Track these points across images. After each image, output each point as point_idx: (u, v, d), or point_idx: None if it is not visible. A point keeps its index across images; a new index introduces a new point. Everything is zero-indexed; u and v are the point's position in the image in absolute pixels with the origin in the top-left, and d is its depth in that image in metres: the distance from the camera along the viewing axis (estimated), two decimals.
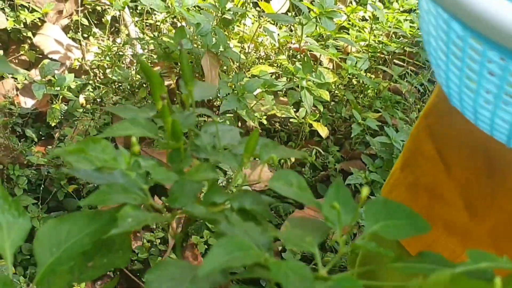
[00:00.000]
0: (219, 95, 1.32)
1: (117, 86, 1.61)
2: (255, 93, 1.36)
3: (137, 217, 0.38)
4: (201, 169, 0.43)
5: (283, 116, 1.54)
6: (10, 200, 0.39)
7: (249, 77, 1.51)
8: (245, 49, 1.68)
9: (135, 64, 1.66)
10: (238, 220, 0.38)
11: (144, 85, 1.58)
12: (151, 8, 1.75)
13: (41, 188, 1.24)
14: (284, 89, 1.56)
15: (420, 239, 0.68)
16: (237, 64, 1.60)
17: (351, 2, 2.00)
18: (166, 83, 1.72)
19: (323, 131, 1.49)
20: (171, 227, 0.42)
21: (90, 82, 1.58)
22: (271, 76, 1.58)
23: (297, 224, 0.37)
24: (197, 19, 1.32)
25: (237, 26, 1.61)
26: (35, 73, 1.56)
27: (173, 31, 1.76)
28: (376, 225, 0.35)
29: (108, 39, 1.72)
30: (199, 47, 1.35)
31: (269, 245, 0.35)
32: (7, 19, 1.61)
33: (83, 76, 1.65)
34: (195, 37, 1.35)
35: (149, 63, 1.67)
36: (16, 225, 0.38)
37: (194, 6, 1.39)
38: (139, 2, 1.73)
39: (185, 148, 0.46)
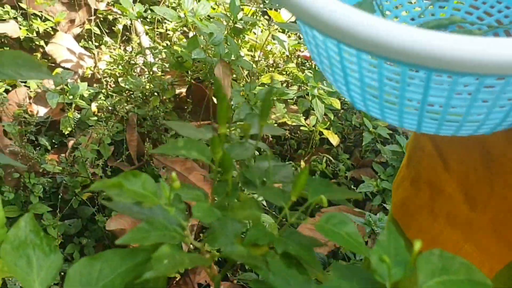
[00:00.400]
0: (231, 103, 1.34)
1: (128, 94, 1.62)
2: None
3: (173, 259, 0.36)
4: (246, 206, 0.42)
5: (294, 124, 1.56)
6: (42, 235, 0.38)
7: (259, 85, 1.52)
8: (254, 57, 1.69)
9: (146, 73, 1.68)
10: (280, 267, 0.36)
11: (156, 93, 1.59)
12: (161, 17, 1.76)
13: (59, 197, 1.26)
14: (295, 97, 1.58)
15: (425, 231, 0.70)
16: (246, 72, 1.61)
17: None
18: (177, 91, 1.73)
19: (334, 139, 1.51)
20: (211, 269, 0.41)
21: (102, 90, 1.60)
22: (281, 84, 1.59)
23: (343, 274, 0.35)
24: (210, 28, 1.34)
25: (247, 34, 1.62)
26: (48, 82, 1.57)
27: (184, 40, 1.78)
28: (432, 281, 0.32)
29: (119, 48, 1.74)
30: (212, 56, 1.37)
31: None
32: (20, 28, 1.63)
33: (95, 85, 1.67)
34: (208, 47, 1.36)
35: (160, 72, 1.68)
36: (47, 262, 0.37)
37: (206, 16, 1.41)
38: (149, 11, 1.74)
39: (233, 179, 0.44)
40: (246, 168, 0.46)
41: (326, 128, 1.57)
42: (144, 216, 0.41)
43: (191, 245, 0.40)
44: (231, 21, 1.44)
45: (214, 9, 1.64)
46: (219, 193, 0.44)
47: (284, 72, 1.77)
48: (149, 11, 1.66)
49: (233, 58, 1.42)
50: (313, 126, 1.54)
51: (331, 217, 0.39)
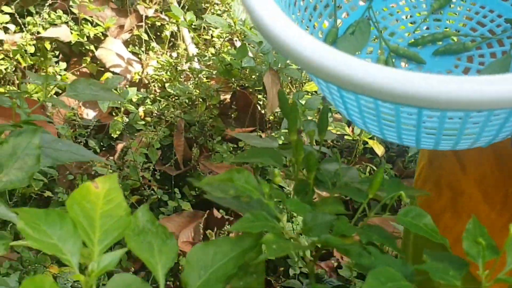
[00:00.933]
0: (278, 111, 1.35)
1: (174, 99, 1.65)
2: None
3: (280, 245, 0.40)
4: (328, 202, 0.46)
5: (338, 133, 1.57)
6: (157, 224, 0.41)
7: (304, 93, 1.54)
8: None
9: (191, 79, 1.70)
10: (377, 252, 0.40)
11: (201, 99, 1.62)
12: (207, 25, 1.79)
13: None
14: None
15: (450, 231, 0.72)
16: (289, 79, 1.63)
17: None
18: (222, 97, 1.76)
19: (379, 149, 1.51)
20: (306, 257, 0.44)
21: (150, 95, 1.63)
22: None
23: (436, 257, 0.39)
24: (259, 37, 1.36)
25: None
26: None
27: (228, 46, 1.80)
28: None
29: (166, 54, 1.77)
30: (262, 65, 1.39)
31: (412, 277, 0.37)
32: (71, 33, 1.67)
33: (142, 89, 1.70)
34: (257, 55, 1.38)
35: (205, 78, 1.71)
36: (166, 247, 0.40)
37: None
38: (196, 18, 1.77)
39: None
40: (317, 170, 0.50)
41: (371, 138, 1.57)
42: (241, 209, 0.45)
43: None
44: None
45: None
46: (299, 191, 0.48)
47: None
48: (196, 18, 1.69)
49: (280, 66, 1.43)
50: (358, 135, 1.55)
51: (409, 211, 0.43)
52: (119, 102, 1.51)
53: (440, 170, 0.74)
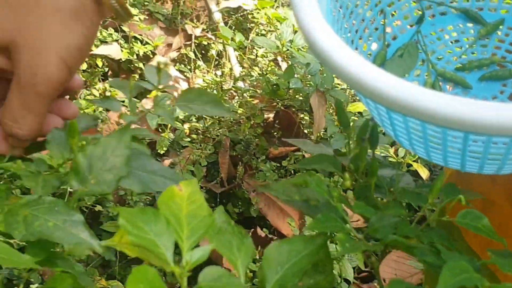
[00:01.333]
0: (325, 132, 1.36)
1: (219, 117, 1.68)
2: None
3: (352, 243, 0.42)
4: (390, 206, 0.48)
5: (382, 154, 1.57)
6: (233, 225, 0.43)
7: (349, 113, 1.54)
8: (341, 84, 1.72)
9: (236, 97, 1.73)
10: (445, 250, 0.42)
11: (246, 118, 1.64)
12: (252, 45, 1.83)
13: None
14: None
15: (480, 238, 0.74)
16: (335, 100, 1.64)
17: None
18: (265, 116, 1.78)
19: (424, 172, 1.50)
20: (373, 256, 0.47)
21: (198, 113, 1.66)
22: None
23: (500, 254, 0.43)
24: (307, 59, 1.38)
25: None
26: (146, 103, 1.65)
27: (273, 66, 1.83)
28: None
29: (211, 72, 1.81)
30: (309, 86, 1.41)
31: (481, 271, 0.40)
32: (122, 50, 1.72)
33: None
34: (304, 76, 1.40)
35: (248, 97, 1.74)
36: (243, 245, 0.42)
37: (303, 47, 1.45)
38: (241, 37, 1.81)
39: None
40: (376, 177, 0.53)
41: (414, 161, 1.57)
42: (309, 211, 0.48)
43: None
44: None
45: None
46: (361, 195, 0.51)
47: None
48: (241, 37, 1.72)
49: (326, 87, 1.45)
50: (402, 157, 1.54)
51: (467, 213, 0.46)
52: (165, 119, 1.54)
53: (470, 180, 0.76)
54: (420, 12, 0.64)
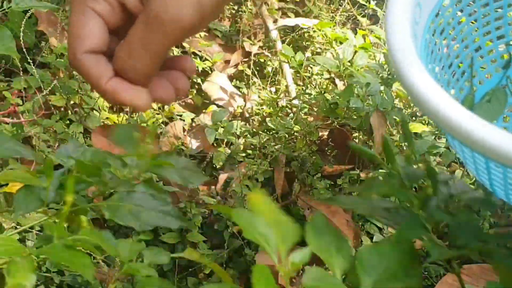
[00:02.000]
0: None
1: (273, 133, 1.70)
2: None
3: (440, 250, 0.44)
4: (463, 213, 0.49)
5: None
6: (332, 228, 0.47)
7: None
8: (397, 105, 1.72)
9: (290, 114, 1.75)
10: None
11: (301, 136, 1.65)
12: (309, 63, 1.84)
13: (214, 228, 1.34)
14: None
15: None
16: (395, 119, 1.64)
17: None
18: (320, 133, 1.79)
19: None
20: (454, 262, 0.48)
21: (251, 129, 1.69)
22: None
23: None
24: (366, 79, 1.38)
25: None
26: (203, 117, 1.69)
27: (328, 84, 1.84)
28: None
29: (266, 89, 1.83)
30: (367, 105, 1.41)
31: None
32: None
33: (242, 123, 1.76)
34: (364, 96, 1.41)
35: (303, 114, 1.75)
36: (342, 250, 0.45)
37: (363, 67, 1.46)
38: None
39: None
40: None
41: (471, 184, 1.55)
42: (390, 219, 0.50)
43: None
44: (385, 72, 1.48)
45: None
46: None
47: (423, 121, 1.78)
48: (301, 56, 1.74)
49: (385, 107, 1.45)
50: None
51: None
52: (225, 134, 1.57)
53: None
54: (506, 57, 0.64)
